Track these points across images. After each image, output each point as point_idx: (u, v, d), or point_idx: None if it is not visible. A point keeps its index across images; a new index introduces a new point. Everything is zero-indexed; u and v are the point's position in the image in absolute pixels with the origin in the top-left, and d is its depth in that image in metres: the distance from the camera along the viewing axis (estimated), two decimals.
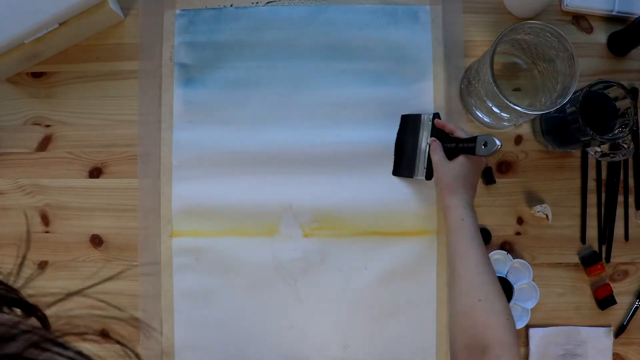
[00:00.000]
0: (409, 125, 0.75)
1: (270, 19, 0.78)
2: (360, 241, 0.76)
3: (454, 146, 0.67)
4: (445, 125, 0.69)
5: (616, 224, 0.78)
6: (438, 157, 0.67)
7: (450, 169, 0.65)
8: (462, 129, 0.68)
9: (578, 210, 0.78)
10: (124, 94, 0.79)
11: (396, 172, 0.76)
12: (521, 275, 0.76)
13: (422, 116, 0.73)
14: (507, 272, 0.76)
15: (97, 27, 0.78)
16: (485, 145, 0.62)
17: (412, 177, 0.73)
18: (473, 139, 0.64)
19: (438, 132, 0.70)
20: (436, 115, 0.72)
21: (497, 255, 0.76)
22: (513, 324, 0.56)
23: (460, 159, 0.65)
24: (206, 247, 0.76)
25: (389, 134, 0.77)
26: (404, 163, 0.75)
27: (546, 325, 0.76)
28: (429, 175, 0.70)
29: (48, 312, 0.31)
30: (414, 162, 0.73)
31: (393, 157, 0.76)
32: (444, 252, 0.76)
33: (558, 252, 0.77)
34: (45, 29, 0.71)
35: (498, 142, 0.61)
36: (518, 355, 0.54)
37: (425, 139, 0.72)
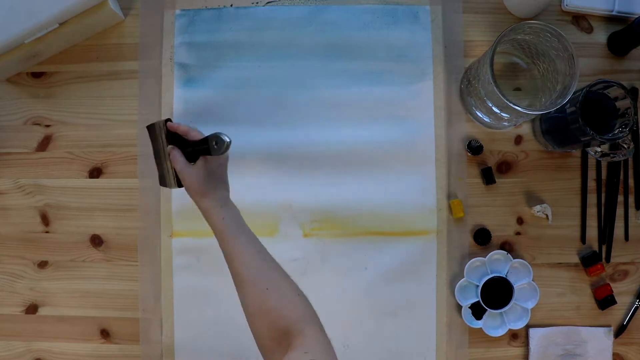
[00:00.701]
0: (151, 135, 0.68)
1: (270, 19, 0.78)
2: (360, 241, 0.76)
3: (190, 150, 0.64)
4: (178, 128, 0.64)
5: (616, 224, 0.78)
6: (180, 165, 0.63)
7: (194, 174, 0.62)
8: (195, 129, 0.64)
9: (578, 210, 0.78)
10: (124, 94, 0.79)
11: (160, 182, 0.69)
12: (521, 275, 0.76)
13: (156, 124, 0.67)
14: (507, 272, 0.76)
15: (97, 27, 0.78)
16: (216, 144, 0.60)
17: (168, 187, 0.68)
18: (205, 140, 0.61)
19: (175, 137, 0.65)
20: (168, 120, 0.66)
21: (497, 255, 0.76)
22: (305, 299, 0.57)
23: (200, 162, 0.62)
24: (206, 247, 0.76)
25: (389, 134, 0.77)
26: (160, 174, 0.69)
27: (546, 325, 0.77)
28: (179, 183, 0.66)
29: None
30: (163, 172, 0.67)
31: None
32: (444, 252, 0.76)
33: (558, 252, 0.77)
34: (45, 29, 0.71)
35: (227, 139, 0.60)
36: (318, 326, 0.55)
37: (165, 147, 0.66)
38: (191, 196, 0.64)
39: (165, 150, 0.65)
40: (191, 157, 0.64)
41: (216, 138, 0.60)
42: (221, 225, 0.61)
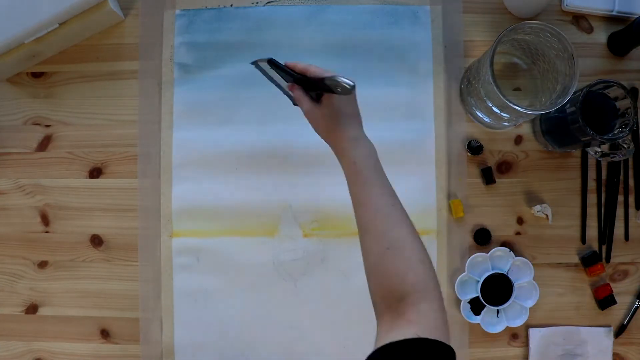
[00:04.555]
0: (261, 72, 0.66)
1: (270, 19, 0.78)
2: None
3: (312, 93, 0.60)
4: (296, 66, 0.60)
5: (616, 224, 0.78)
6: (306, 106, 0.60)
7: (320, 115, 0.59)
8: (312, 65, 0.59)
9: (578, 210, 0.78)
10: (124, 94, 0.79)
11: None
12: (522, 273, 0.76)
13: (258, 64, 0.64)
14: (509, 270, 0.76)
15: (97, 27, 0.78)
16: (339, 89, 0.54)
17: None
18: (328, 80, 0.55)
19: (293, 75, 0.61)
20: (271, 60, 0.61)
21: (499, 251, 0.76)
22: (428, 266, 0.52)
23: (326, 100, 0.58)
24: (206, 247, 0.76)
25: (389, 133, 0.77)
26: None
27: (546, 325, 0.77)
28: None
29: None
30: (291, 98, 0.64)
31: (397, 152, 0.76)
32: (444, 252, 0.76)
33: (558, 252, 0.77)
34: (45, 29, 0.71)
35: (348, 84, 0.52)
36: (436, 298, 0.51)
37: (280, 78, 0.63)
38: (323, 138, 0.60)
39: (286, 89, 0.62)
40: (316, 96, 0.60)
41: (336, 84, 0.53)
42: (351, 168, 0.57)
